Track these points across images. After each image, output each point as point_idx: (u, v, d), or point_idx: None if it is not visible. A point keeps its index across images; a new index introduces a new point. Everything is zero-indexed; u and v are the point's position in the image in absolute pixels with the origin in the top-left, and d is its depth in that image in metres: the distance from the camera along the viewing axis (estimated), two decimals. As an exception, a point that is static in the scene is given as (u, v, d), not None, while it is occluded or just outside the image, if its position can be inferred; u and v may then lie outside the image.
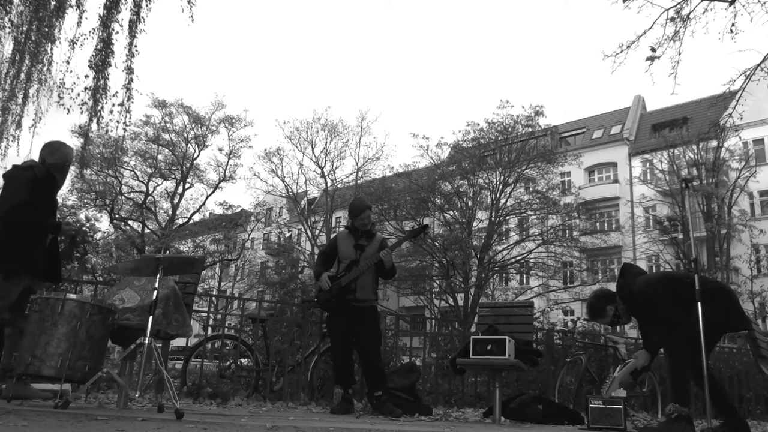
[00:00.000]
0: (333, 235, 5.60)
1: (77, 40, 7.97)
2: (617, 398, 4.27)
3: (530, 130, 23.05)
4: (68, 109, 7.98)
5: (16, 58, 8.16)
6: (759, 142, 27.52)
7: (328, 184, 32.55)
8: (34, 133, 8.41)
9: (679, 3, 8.70)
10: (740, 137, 22.58)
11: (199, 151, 32.56)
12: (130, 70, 8.22)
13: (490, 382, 6.08)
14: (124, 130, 8.56)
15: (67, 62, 8.03)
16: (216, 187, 32.98)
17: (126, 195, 31.30)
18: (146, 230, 31.27)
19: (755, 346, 4.49)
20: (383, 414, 4.55)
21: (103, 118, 8.17)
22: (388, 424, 3.79)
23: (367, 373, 4.85)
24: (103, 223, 30.18)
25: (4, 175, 4.03)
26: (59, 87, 8.04)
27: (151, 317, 3.40)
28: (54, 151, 4.07)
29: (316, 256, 30.06)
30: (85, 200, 29.70)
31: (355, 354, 5.04)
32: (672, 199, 25.14)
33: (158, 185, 32.55)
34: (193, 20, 8.42)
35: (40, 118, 8.38)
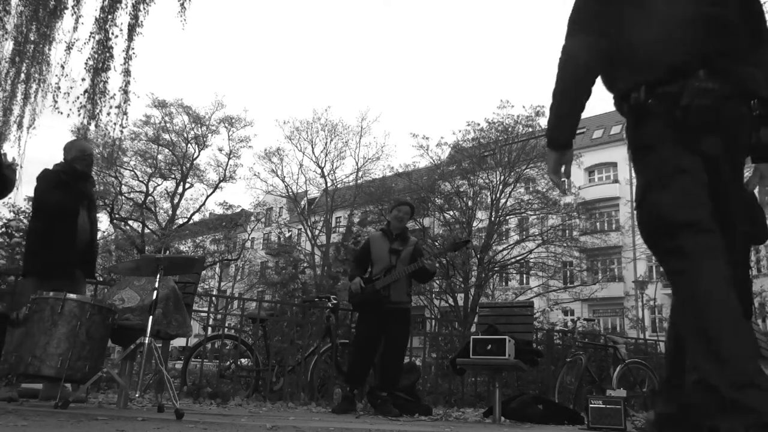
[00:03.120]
0: (365, 238, 5.61)
1: (73, 44, 8.01)
2: (617, 398, 4.28)
3: (530, 130, 23.05)
4: (68, 113, 8.06)
5: (16, 59, 8.18)
6: (759, 142, 27.52)
7: (328, 184, 32.55)
8: (29, 132, 8.44)
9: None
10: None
11: (199, 151, 32.57)
12: (127, 73, 8.29)
13: (490, 382, 6.08)
14: (121, 132, 8.62)
15: (62, 66, 8.07)
16: (216, 187, 32.98)
17: (126, 195, 31.28)
18: (146, 230, 31.25)
19: (755, 346, 4.49)
20: (383, 414, 4.56)
21: (101, 120, 8.23)
22: (388, 424, 3.79)
23: (384, 372, 4.86)
24: (103, 223, 30.16)
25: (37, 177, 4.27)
26: (54, 91, 8.08)
27: (151, 317, 3.40)
28: (69, 149, 4.33)
29: (317, 257, 30.28)
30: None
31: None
32: (672, 199, 25.08)
33: (158, 185, 32.55)
34: (185, 21, 8.52)
35: (35, 119, 8.41)
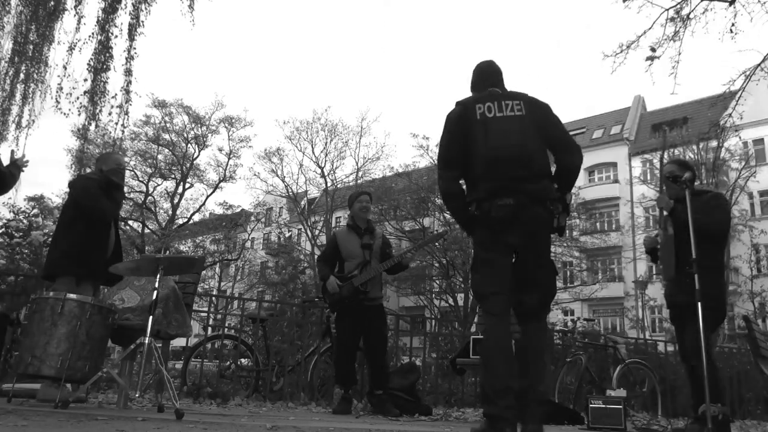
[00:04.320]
0: (331, 235, 5.54)
1: (75, 45, 8.01)
2: (617, 398, 4.27)
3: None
4: (67, 114, 8.03)
5: (15, 59, 8.18)
6: (759, 142, 27.52)
7: (328, 184, 32.55)
8: (27, 134, 8.45)
9: (679, 3, 8.72)
10: (740, 137, 22.56)
11: (199, 151, 32.55)
12: (128, 73, 8.28)
13: (490, 382, 6.06)
14: (122, 131, 8.61)
15: (65, 67, 8.08)
16: (216, 187, 32.97)
17: (126, 195, 31.22)
18: (146, 230, 31.24)
19: (755, 346, 4.49)
20: (383, 414, 4.55)
21: (101, 120, 8.24)
22: (388, 424, 3.79)
23: (372, 371, 4.84)
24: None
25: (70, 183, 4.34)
26: (57, 91, 8.08)
27: (151, 317, 3.39)
28: (105, 160, 4.41)
29: (317, 258, 30.23)
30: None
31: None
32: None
33: (158, 185, 32.55)
34: (194, 24, 8.52)
35: (33, 121, 8.41)
